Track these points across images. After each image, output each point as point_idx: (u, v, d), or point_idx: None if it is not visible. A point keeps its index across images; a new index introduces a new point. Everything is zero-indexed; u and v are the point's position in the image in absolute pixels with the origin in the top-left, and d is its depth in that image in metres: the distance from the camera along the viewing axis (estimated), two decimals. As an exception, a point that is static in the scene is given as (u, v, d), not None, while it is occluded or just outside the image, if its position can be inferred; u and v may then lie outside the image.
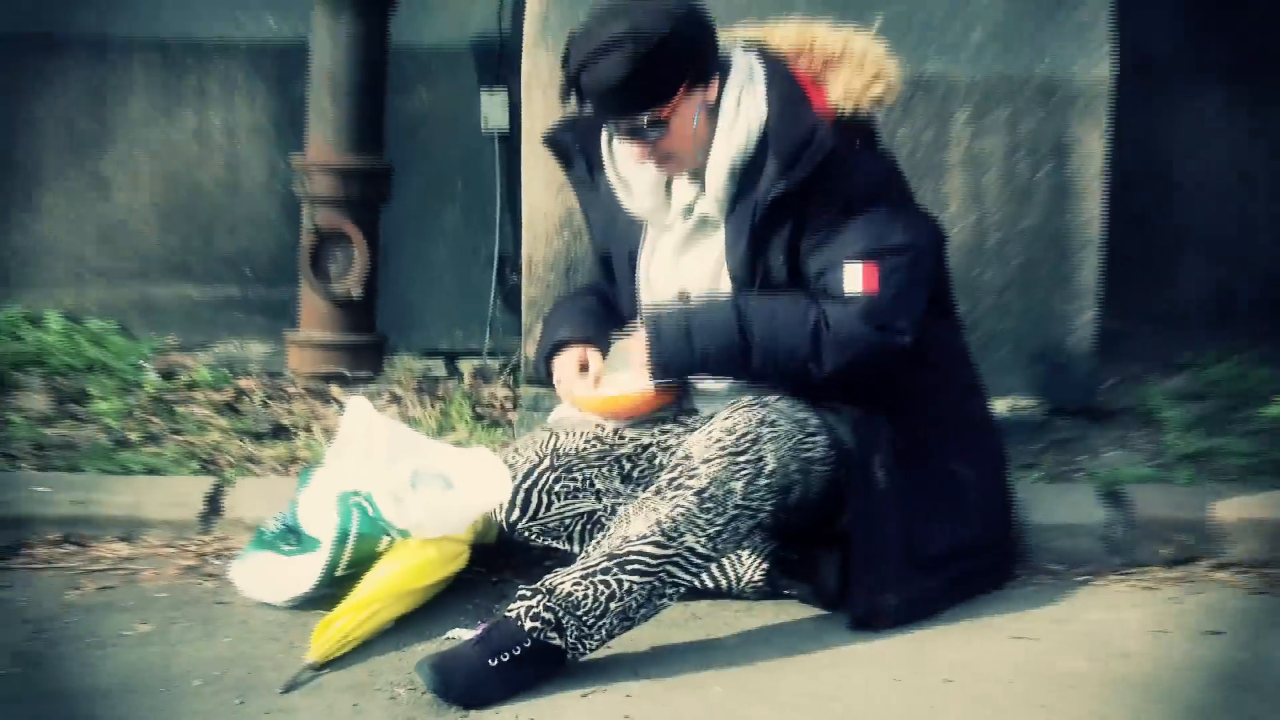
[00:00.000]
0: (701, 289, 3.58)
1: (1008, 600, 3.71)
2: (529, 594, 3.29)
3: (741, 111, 3.48)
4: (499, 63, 5.01)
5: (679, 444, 3.58)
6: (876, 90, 3.51)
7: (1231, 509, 3.95)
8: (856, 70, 3.52)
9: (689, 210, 3.58)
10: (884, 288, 3.43)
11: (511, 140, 4.91)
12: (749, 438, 3.39)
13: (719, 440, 3.38)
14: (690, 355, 3.48)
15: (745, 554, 3.71)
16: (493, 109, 5.02)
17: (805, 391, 3.51)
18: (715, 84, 3.48)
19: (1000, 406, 4.50)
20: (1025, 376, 4.57)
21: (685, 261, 3.61)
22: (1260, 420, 4.63)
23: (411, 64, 5.03)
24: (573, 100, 3.46)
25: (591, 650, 3.33)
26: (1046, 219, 4.52)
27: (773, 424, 3.42)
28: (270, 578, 3.65)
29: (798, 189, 3.43)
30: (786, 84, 3.51)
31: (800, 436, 3.46)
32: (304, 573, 3.60)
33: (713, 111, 3.48)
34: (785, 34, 3.63)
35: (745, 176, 3.49)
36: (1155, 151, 4.95)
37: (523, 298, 4.60)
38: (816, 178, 3.43)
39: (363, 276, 4.77)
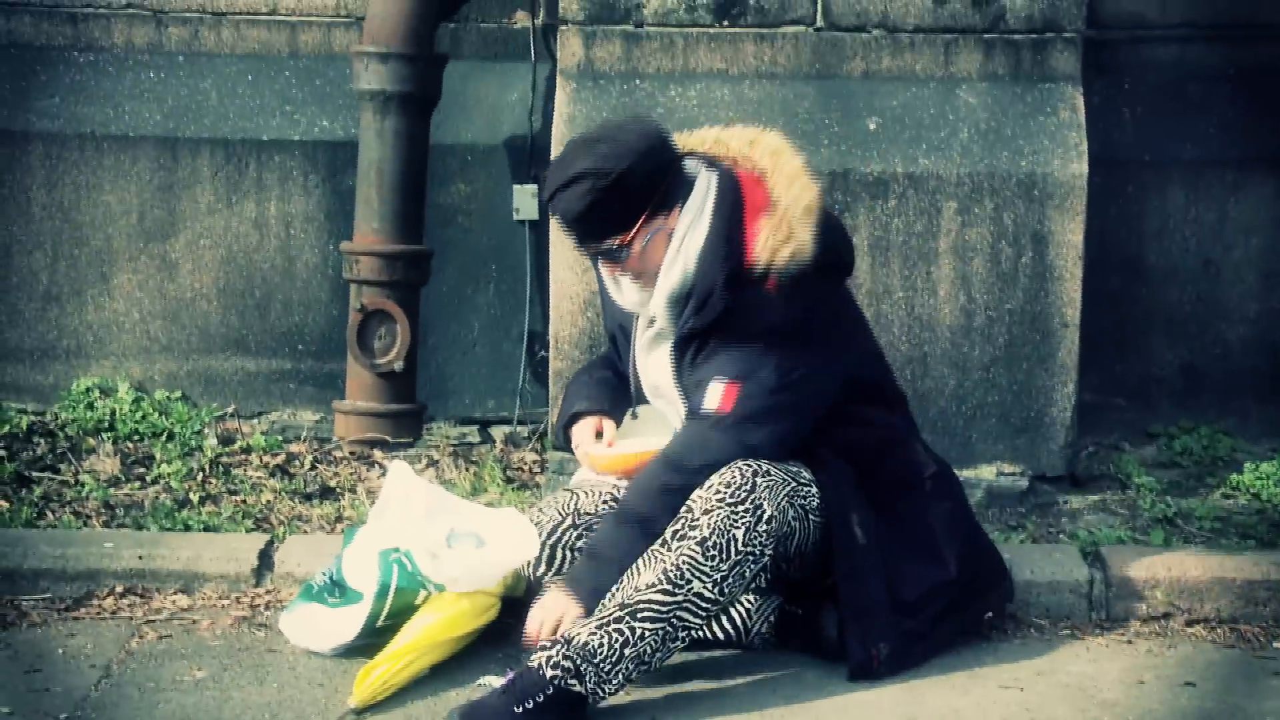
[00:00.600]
0: (666, 386, 3.57)
1: (996, 652, 3.67)
2: (549, 644, 3.27)
3: (682, 251, 3.45)
4: (530, 157, 5.00)
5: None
6: (785, 254, 3.40)
7: (1203, 568, 3.90)
8: (775, 228, 3.42)
9: (651, 320, 3.58)
10: (736, 407, 3.42)
11: (541, 228, 4.90)
12: (745, 488, 3.36)
13: (718, 493, 3.36)
14: (600, 578, 3.39)
15: (753, 608, 3.67)
16: (524, 200, 5.00)
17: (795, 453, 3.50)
18: (677, 210, 3.45)
19: (987, 473, 4.54)
20: (1010, 445, 4.55)
21: (650, 360, 3.62)
22: (1227, 486, 4.60)
23: (451, 159, 5.03)
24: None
25: (611, 694, 3.28)
26: (1029, 301, 4.51)
27: (767, 474, 3.40)
28: (317, 628, 3.62)
29: (703, 329, 3.45)
30: (724, 222, 3.45)
31: (794, 484, 3.45)
32: (348, 623, 3.57)
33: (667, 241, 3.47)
34: (738, 143, 3.58)
35: (679, 308, 3.48)
36: (1126, 239, 4.95)
37: (550, 371, 4.62)
38: (720, 318, 3.43)
39: (404, 351, 4.75)
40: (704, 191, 3.47)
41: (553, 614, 3.40)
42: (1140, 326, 4.95)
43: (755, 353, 3.43)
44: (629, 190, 3.38)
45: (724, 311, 3.42)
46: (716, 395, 3.43)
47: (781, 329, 3.44)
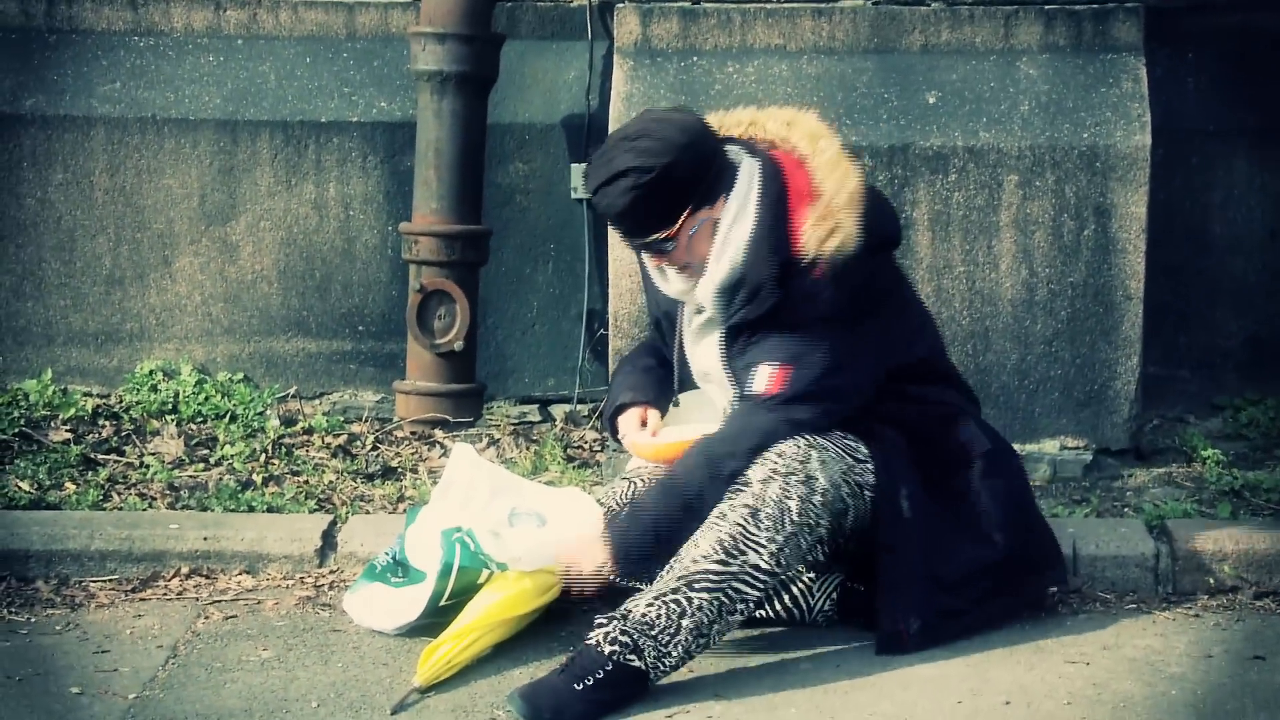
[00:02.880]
0: (716, 371, 3.56)
1: (1061, 627, 3.64)
2: (606, 621, 3.27)
3: (729, 241, 3.43)
4: (587, 136, 4.99)
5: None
6: (832, 244, 3.38)
7: (1271, 541, 3.86)
8: (819, 219, 3.39)
9: (699, 309, 3.57)
10: (786, 388, 3.41)
11: None
12: (799, 459, 3.37)
13: (772, 464, 3.36)
14: (636, 544, 3.43)
15: (815, 585, 3.66)
16: (582, 178, 4.88)
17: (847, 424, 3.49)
18: (722, 201, 3.43)
19: (1050, 447, 4.52)
20: (1074, 419, 4.52)
21: (699, 349, 3.61)
22: None
23: (508, 138, 5.03)
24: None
25: (671, 669, 3.28)
26: (1091, 275, 4.48)
27: (822, 447, 3.41)
28: (380, 607, 3.64)
29: (754, 319, 3.44)
30: (770, 213, 3.43)
31: (850, 460, 3.45)
32: (411, 603, 3.58)
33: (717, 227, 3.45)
34: (777, 124, 3.56)
35: (728, 298, 3.46)
36: (1190, 210, 4.90)
37: (609, 349, 4.62)
38: (771, 309, 3.42)
39: (464, 331, 4.76)
40: (748, 181, 3.44)
41: (582, 556, 3.47)
42: (1205, 298, 4.91)
43: (805, 338, 3.42)
44: (673, 184, 3.36)
45: (775, 303, 3.41)
46: (766, 378, 3.42)
47: (830, 314, 3.42)
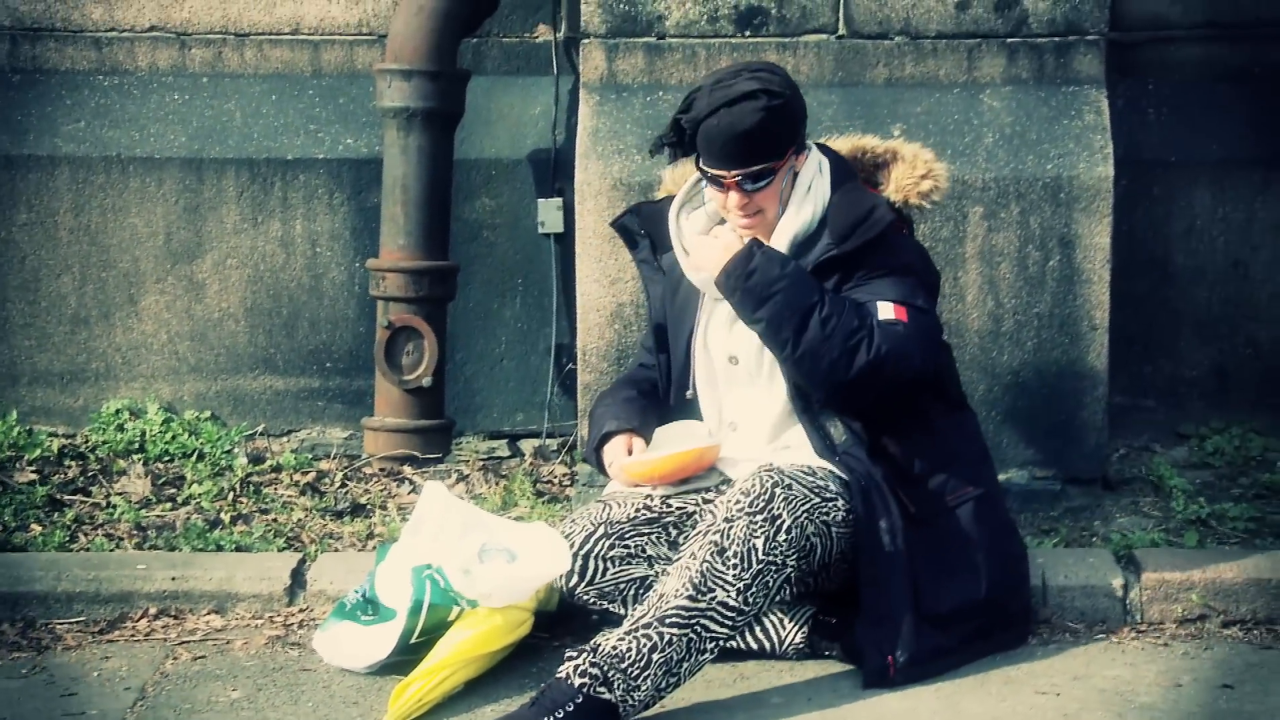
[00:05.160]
0: (751, 354, 3.61)
1: (1031, 658, 3.64)
2: (576, 654, 3.27)
3: (811, 192, 3.59)
4: (554, 171, 5.00)
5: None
6: (926, 186, 3.62)
7: (1238, 569, 3.88)
8: (909, 168, 3.63)
9: None
10: (910, 323, 3.49)
11: (566, 241, 4.90)
12: (764, 498, 3.37)
13: (738, 502, 3.37)
14: (775, 277, 3.47)
15: (788, 619, 3.66)
16: (549, 213, 4.99)
17: (827, 449, 3.52)
18: (805, 156, 3.60)
19: (1018, 477, 4.53)
20: (1041, 449, 4.54)
21: (738, 327, 3.62)
22: (1260, 486, 4.58)
23: (475, 174, 5.04)
24: (665, 154, 3.61)
25: (641, 705, 3.27)
26: (1057, 305, 4.50)
27: (787, 486, 3.41)
28: (350, 646, 3.62)
29: (845, 256, 3.53)
30: (848, 175, 3.63)
31: (816, 500, 3.45)
32: (381, 641, 3.57)
33: (792, 183, 3.59)
34: (840, 145, 3.76)
35: (799, 250, 3.57)
36: (1153, 241, 4.94)
37: (578, 384, 4.61)
38: (864, 249, 3.52)
39: (432, 366, 4.75)
40: (817, 155, 3.63)
41: (722, 242, 3.54)
42: (1169, 328, 4.93)
43: (906, 284, 3.53)
44: (792, 115, 3.52)
45: (869, 242, 3.50)
46: (890, 309, 3.49)
47: (917, 269, 3.58)
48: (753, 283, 3.46)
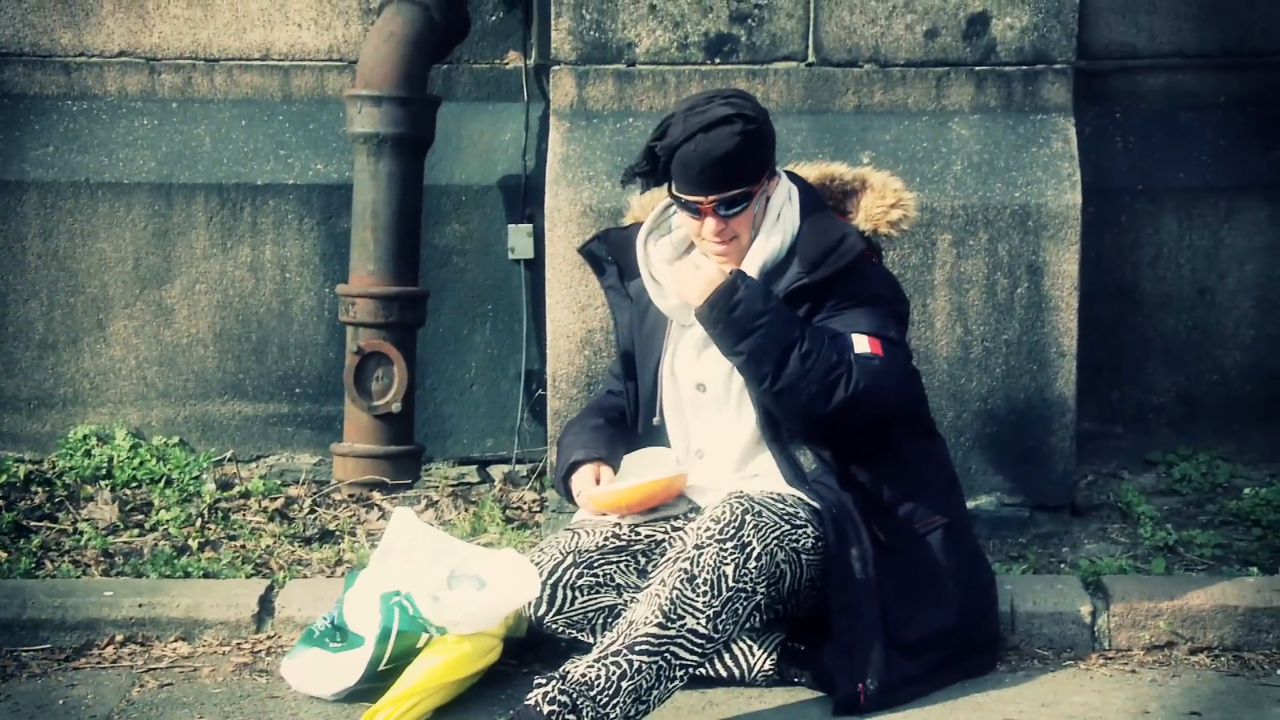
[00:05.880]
0: (719, 382, 3.60)
1: (999, 684, 3.64)
2: (545, 681, 3.26)
3: (781, 220, 3.58)
4: (524, 197, 5.02)
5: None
6: (895, 215, 3.62)
7: (1206, 596, 3.89)
8: (878, 197, 3.63)
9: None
10: (885, 357, 3.50)
11: (536, 267, 4.90)
12: (734, 525, 3.37)
13: (708, 529, 3.37)
14: (759, 311, 3.46)
15: (756, 646, 3.65)
16: (519, 239, 5.01)
17: (797, 478, 3.51)
18: (776, 182, 3.60)
19: (987, 503, 4.54)
20: (1009, 476, 4.55)
21: (706, 355, 3.62)
22: (1227, 512, 4.60)
23: (445, 199, 5.04)
24: (638, 184, 3.60)
25: (611, 732, 3.26)
26: (1025, 332, 4.51)
27: (757, 514, 3.40)
28: (318, 673, 3.60)
29: (816, 285, 3.52)
30: (817, 203, 3.63)
31: (786, 527, 3.44)
32: (350, 668, 3.55)
33: (764, 209, 3.59)
34: (808, 172, 3.75)
35: (768, 279, 3.56)
36: (1121, 268, 4.98)
37: (548, 410, 4.61)
38: (835, 278, 3.52)
39: (401, 392, 4.74)
40: (786, 183, 3.62)
41: (705, 274, 3.51)
42: (1137, 355, 4.95)
43: (878, 315, 3.53)
44: (766, 140, 3.53)
45: (839, 270, 3.50)
46: (865, 343, 3.49)
47: (888, 299, 3.57)
48: (737, 315, 3.46)
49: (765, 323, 3.44)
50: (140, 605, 3.92)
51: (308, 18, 5.13)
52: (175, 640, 3.89)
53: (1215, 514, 4.60)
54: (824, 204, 3.65)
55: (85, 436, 4.98)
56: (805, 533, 3.47)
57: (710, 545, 3.34)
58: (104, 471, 4.85)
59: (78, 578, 4.16)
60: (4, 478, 4.75)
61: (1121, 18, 4.97)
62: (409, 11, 4.84)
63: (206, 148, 5.08)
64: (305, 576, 4.21)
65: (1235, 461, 4.87)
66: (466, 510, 4.67)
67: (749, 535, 3.36)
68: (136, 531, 4.51)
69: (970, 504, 4.40)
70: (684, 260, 3.62)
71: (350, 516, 4.64)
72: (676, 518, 3.68)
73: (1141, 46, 4.98)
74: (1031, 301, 4.49)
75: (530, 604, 3.59)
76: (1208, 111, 4.98)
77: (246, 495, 4.74)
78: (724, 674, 3.63)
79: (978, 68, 4.61)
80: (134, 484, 4.81)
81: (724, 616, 3.33)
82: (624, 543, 3.65)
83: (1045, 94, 4.61)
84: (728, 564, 3.33)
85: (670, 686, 3.31)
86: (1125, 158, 4.96)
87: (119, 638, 3.88)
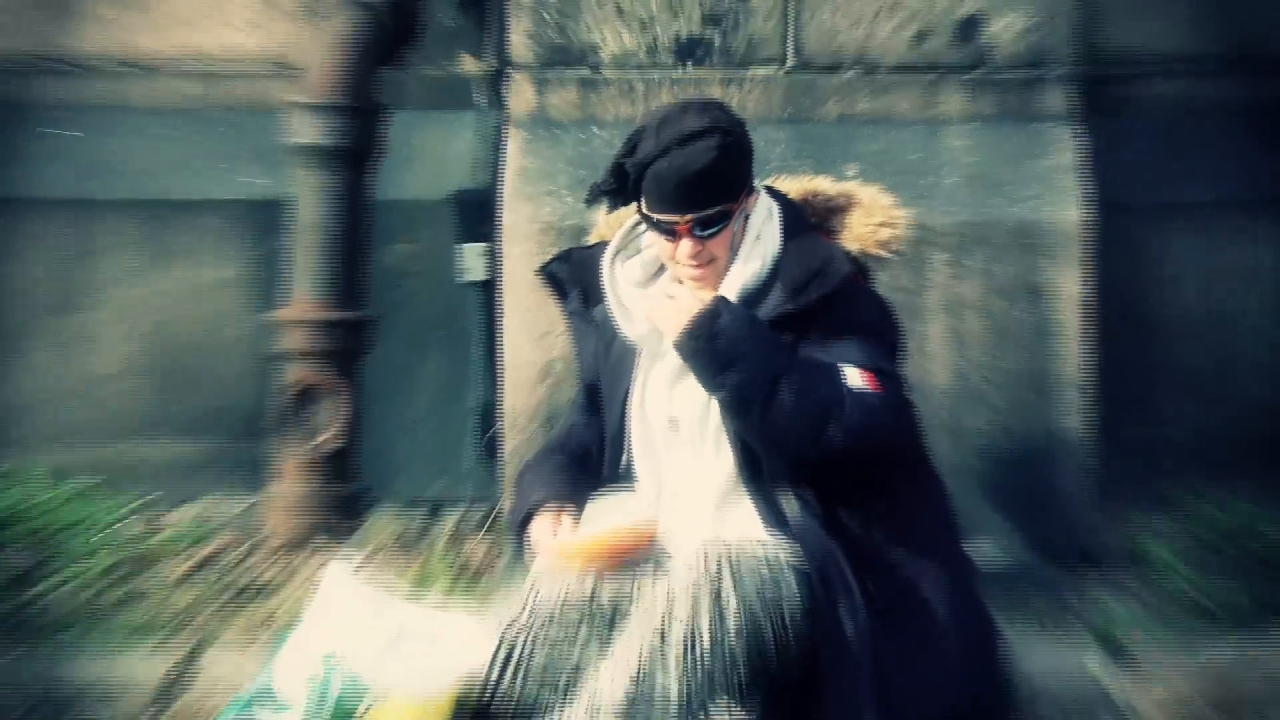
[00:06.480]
0: (693, 417, 3.41)
1: (1007, 756, 3.47)
2: (511, 746, 3.09)
3: (761, 240, 3.39)
4: (478, 213, 4.89)
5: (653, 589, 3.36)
6: (885, 235, 3.45)
7: (1233, 653, 3.79)
8: (866, 215, 3.46)
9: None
10: (882, 392, 3.29)
11: (491, 290, 4.78)
12: (709, 576, 3.19)
13: (681, 580, 3.21)
14: (743, 338, 3.25)
15: (738, 707, 3.32)
16: (472, 259, 4.91)
17: (779, 525, 3.32)
18: (755, 198, 3.42)
19: (989, 549, 4.38)
20: (1014, 519, 4.41)
21: (679, 388, 3.43)
22: (1250, 557, 4.43)
23: (393, 216, 4.91)
24: (604, 205, 3.41)
25: (575, 803, 3.08)
26: (1028, 360, 4.40)
27: (735, 563, 3.21)
28: (246, 746, 3.41)
29: (800, 312, 3.32)
30: (801, 221, 3.45)
31: (766, 575, 3.24)
32: (279, 742, 3.35)
33: (744, 228, 3.42)
34: (789, 187, 3.59)
35: (747, 305, 3.37)
36: (1132, 290, 4.88)
37: (505, 447, 4.49)
38: (821, 304, 3.33)
39: (344, 427, 4.60)
40: (767, 199, 3.43)
41: (680, 303, 3.31)
42: (1149, 386, 4.84)
43: (870, 345, 3.32)
44: (745, 153, 3.35)
45: (825, 296, 3.31)
46: (859, 376, 3.27)
47: (879, 328, 3.38)
48: (719, 345, 3.25)
49: (750, 351, 3.24)
50: (52, 666, 3.78)
51: (245, 19, 5.05)
52: (93, 702, 3.72)
53: (1236, 561, 4.43)
54: (808, 222, 3.48)
55: (-1, 475, 4.81)
56: (788, 584, 3.24)
57: (683, 598, 3.15)
58: (17, 515, 4.60)
59: (-16, 637, 3.97)
60: (-95, 522, 4.54)
61: (1134, 22, 4.90)
62: (355, 13, 4.71)
63: (135, 161, 4.97)
64: (234, 635, 4.03)
65: (1254, 502, 4.68)
66: (415, 558, 4.48)
67: (726, 588, 3.17)
68: (50, 581, 4.27)
69: (970, 548, 4.20)
70: (655, 288, 3.44)
71: (285, 567, 4.44)
72: (646, 568, 3.43)
73: (1151, 52, 4.91)
74: (1034, 326, 4.39)
75: (483, 665, 3.32)
76: (1222, 121, 4.88)
77: (173, 542, 4.54)
78: (699, 746, 3.43)
79: (972, 73, 4.54)
80: (48, 529, 4.57)
81: (698, 676, 3.14)
82: (587, 595, 3.40)
83: (1045, 102, 4.55)
84: (702, 618, 3.14)
85: (640, 752, 3.13)
86: (1133, 170, 4.84)
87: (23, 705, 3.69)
